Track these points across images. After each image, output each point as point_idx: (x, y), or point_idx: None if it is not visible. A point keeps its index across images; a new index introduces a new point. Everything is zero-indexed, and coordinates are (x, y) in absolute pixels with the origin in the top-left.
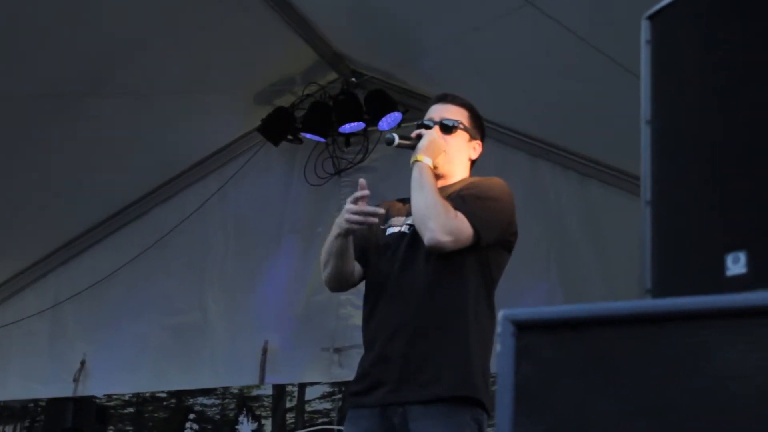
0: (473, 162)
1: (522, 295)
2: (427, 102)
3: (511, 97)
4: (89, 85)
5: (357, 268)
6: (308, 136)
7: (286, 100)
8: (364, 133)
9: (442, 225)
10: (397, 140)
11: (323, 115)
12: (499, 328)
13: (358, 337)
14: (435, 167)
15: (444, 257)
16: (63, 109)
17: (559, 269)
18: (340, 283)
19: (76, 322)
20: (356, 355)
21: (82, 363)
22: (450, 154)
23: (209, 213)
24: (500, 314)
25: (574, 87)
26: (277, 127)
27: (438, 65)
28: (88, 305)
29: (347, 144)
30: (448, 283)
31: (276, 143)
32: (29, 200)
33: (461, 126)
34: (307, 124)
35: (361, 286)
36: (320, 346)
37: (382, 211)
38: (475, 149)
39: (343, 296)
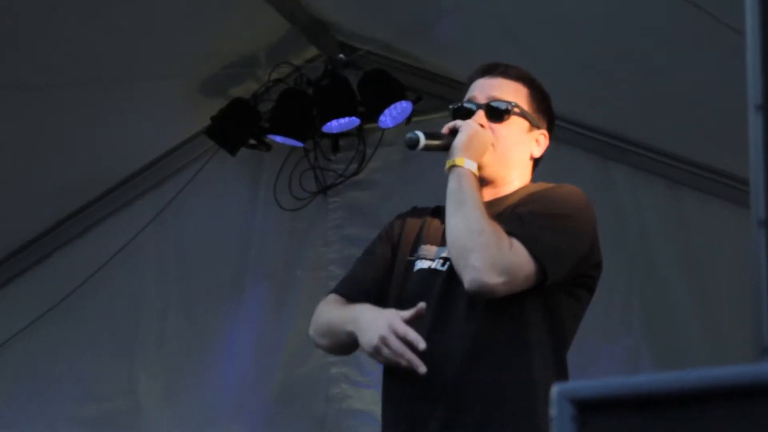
0: (537, 161)
1: (595, 356)
2: (447, 85)
3: (566, 75)
4: None
5: None
6: (279, 139)
7: (245, 89)
8: (358, 132)
9: (490, 261)
10: (423, 141)
11: (300, 109)
12: (554, 410)
13: (358, 427)
14: (480, 170)
15: (495, 306)
16: None
17: (645, 316)
18: (338, 354)
19: None
20: None
21: None
22: (501, 151)
23: (140, 254)
24: (554, 391)
25: (657, 59)
26: (235, 128)
27: (460, 32)
28: None
29: (335, 149)
30: (501, 346)
31: (233, 151)
32: None
33: (517, 109)
34: (277, 121)
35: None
36: None
37: (423, 344)
38: (538, 142)
39: (335, 369)
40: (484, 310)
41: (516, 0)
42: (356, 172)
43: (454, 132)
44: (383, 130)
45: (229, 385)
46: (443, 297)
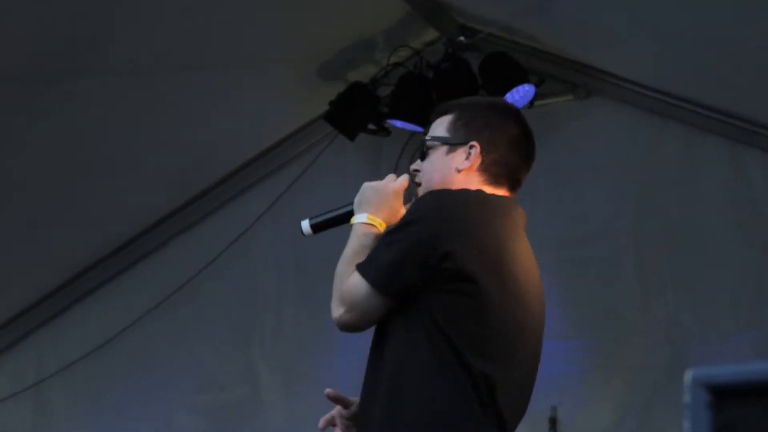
0: (493, 167)
1: (722, 349)
2: (571, 67)
3: (692, 55)
4: (65, 63)
5: None
6: (398, 124)
7: (364, 73)
8: None
9: (335, 297)
10: (307, 226)
11: (420, 93)
12: (687, 397)
13: None
14: None
15: (378, 344)
16: (28, 101)
17: None
18: None
19: (67, 406)
20: None
21: None
22: (425, 183)
23: (256, 242)
24: (689, 376)
25: None
26: (353, 113)
27: (582, 12)
28: (83, 381)
29: None
30: (384, 365)
31: (352, 136)
32: None
33: (429, 142)
34: (397, 106)
35: None
36: None
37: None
38: (468, 154)
39: None
40: (372, 351)
41: None
42: None
43: None
44: None
45: (351, 375)
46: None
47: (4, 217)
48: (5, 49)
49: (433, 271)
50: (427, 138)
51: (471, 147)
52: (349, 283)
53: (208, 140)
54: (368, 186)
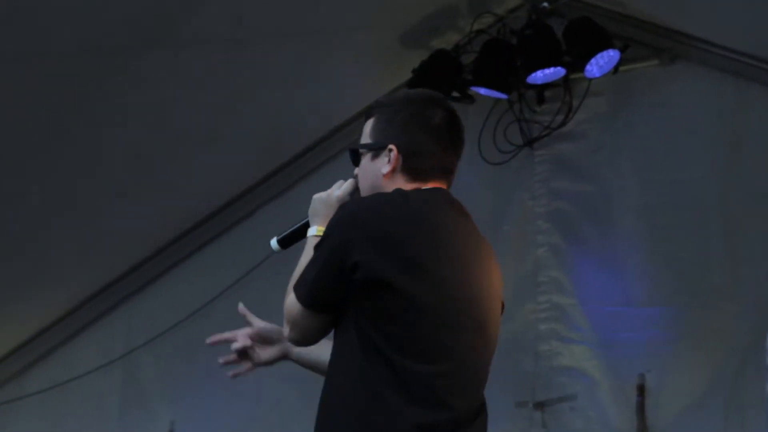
0: (413, 167)
1: None
2: (655, 32)
3: None
4: (156, 34)
5: None
6: (482, 91)
7: (447, 41)
8: (564, 82)
9: (284, 315)
10: (275, 243)
11: (503, 60)
12: None
13: (569, 384)
14: None
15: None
16: (126, 70)
17: None
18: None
19: (157, 377)
20: (568, 412)
21: None
22: (361, 190)
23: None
24: None
25: None
26: (437, 81)
27: None
28: (173, 352)
29: (540, 100)
30: (323, 398)
31: None
32: (76, 205)
33: (356, 151)
34: (481, 73)
35: None
36: (514, 400)
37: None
38: (390, 159)
39: (544, 326)
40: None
41: None
42: (562, 124)
43: None
44: (590, 80)
45: None
46: None
47: (94, 186)
48: (100, 19)
49: (349, 281)
50: (350, 147)
51: (390, 150)
52: (288, 301)
53: (293, 110)
54: (316, 198)
